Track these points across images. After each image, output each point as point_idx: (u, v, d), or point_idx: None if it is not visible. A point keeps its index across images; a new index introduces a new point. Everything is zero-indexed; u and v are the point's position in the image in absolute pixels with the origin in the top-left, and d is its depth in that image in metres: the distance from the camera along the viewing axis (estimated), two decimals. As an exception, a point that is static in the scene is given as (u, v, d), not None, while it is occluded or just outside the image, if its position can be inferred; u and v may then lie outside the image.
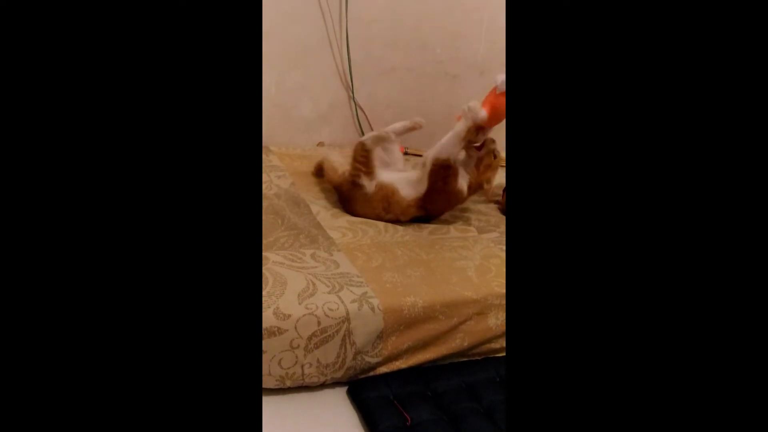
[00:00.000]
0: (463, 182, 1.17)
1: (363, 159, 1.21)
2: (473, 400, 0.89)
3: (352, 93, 1.79)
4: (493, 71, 1.89)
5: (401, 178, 1.22)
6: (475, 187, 1.19)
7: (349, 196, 1.24)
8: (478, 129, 1.16)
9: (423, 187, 1.17)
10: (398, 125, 1.23)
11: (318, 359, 0.89)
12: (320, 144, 1.80)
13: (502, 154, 1.16)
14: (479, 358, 0.99)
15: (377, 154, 1.24)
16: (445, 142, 1.17)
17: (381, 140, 1.21)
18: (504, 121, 1.18)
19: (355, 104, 1.80)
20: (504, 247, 1.15)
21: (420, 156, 1.75)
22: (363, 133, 1.84)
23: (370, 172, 1.20)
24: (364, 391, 0.89)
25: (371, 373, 0.93)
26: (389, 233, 1.18)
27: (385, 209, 1.20)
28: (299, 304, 0.89)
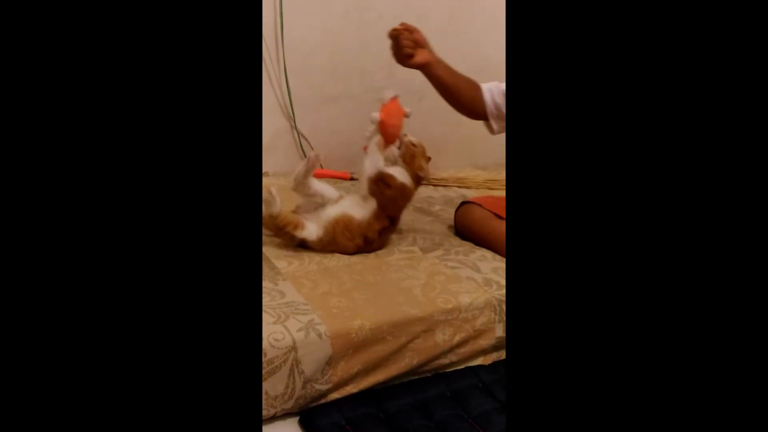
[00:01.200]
0: (403, 178, 1.23)
1: (276, 226, 1.19)
2: (426, 418, 0.89)
3: (294, 122, 1.80)
4: (430, 96, 1.95)
5: (347, 205, 1.22)
6: (416, 178, 1.25)
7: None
8: (386, 141, 1.23)
9: (373, 203, 1.21)
10: (299, 169, 1.23)
11: (266, 391, 0.87)
12: (264, 174, 1.80)
13: (416, 139, 1.27)
14: (429, 375, 1.00)
15: (303, 199, 1.25)
16: (368, 162, 1.22)
17: (270, 205, 1.16)
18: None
19: (298, 133, 1.82)
20: (448, 264, 1.18)
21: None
22: (308, 161, 1.85)
23: (296, 226, 1.18)
24: (316, 419, 0.88)
25: (322, 401, 0.92)
26: (335, 258, 1.18)
27: (350, 238, 1.19)
28: (244, 336, 0.87)
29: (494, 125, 1.31)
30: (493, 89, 1.28)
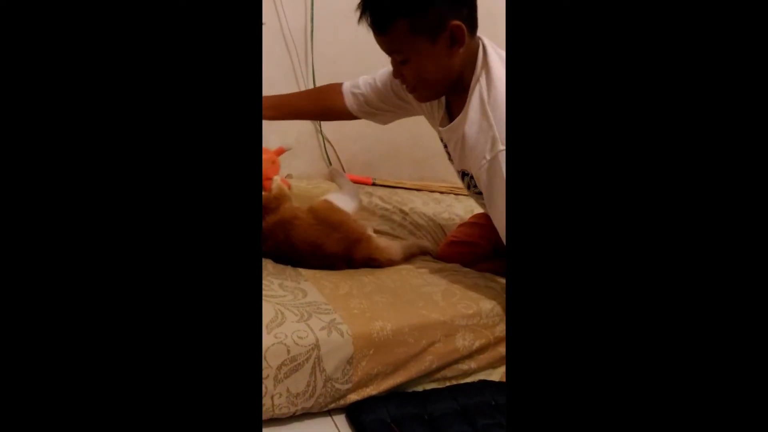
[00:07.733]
0: None
1: None
2: (467, 424, 0.90)
3: (320, 126, 1.82)
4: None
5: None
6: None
7: None
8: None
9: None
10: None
11: (288, 389, 0.88)
12: (288, 176, 1.82)
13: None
14: (476, 382, 1.00)
15: None
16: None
17: None
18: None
19: (323, 137, 1.84)
20: (467, 273, 1.18)
21: (389, 187, 1.79)
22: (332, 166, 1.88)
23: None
24: (363, 414, 0.89)
25: (342, 402, 0.93)
26: (357, 261, 1.19)
27: None
28: (268, 333, 0.89)
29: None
30: (361, 88, 1.31)
